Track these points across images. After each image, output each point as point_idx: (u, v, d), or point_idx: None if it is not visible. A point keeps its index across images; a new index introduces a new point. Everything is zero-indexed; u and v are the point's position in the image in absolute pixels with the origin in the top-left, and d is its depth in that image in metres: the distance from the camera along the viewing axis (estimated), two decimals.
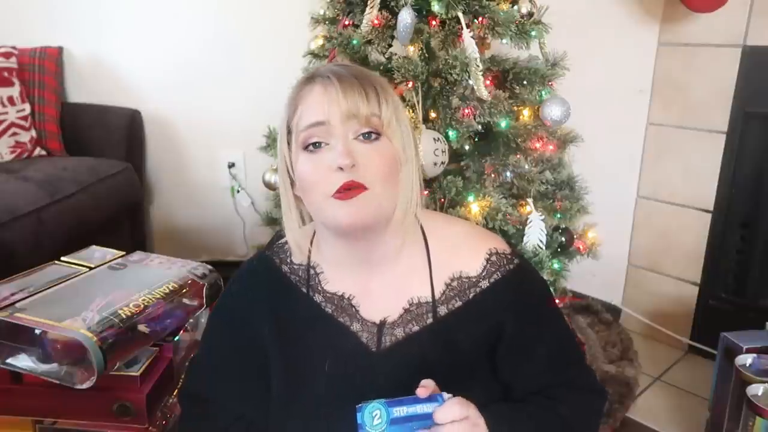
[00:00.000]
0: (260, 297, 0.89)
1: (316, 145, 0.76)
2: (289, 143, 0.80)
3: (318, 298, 0.86)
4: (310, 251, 0.88)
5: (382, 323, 0.83)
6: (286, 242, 0.88)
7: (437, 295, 0.83)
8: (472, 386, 0.82)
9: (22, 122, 2.12)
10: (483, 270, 0.83)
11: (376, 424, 0.69)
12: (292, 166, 0.80)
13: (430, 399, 0.70)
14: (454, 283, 0.83)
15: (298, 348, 0.85)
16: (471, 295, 0.82)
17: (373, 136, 0.77)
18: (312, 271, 0.87)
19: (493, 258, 0.83)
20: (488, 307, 0.82)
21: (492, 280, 0.83)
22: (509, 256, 0.84)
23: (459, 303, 0.82)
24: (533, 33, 1.41)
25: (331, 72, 0.78)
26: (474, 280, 0.83)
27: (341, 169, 0.74)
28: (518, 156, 1.44)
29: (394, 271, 0.84)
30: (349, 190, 0.74)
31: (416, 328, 0.82)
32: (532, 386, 0.86)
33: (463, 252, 0.84)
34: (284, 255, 0.90)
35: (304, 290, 0.87)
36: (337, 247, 0.84)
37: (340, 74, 0.77)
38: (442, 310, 0.82)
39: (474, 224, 0.92)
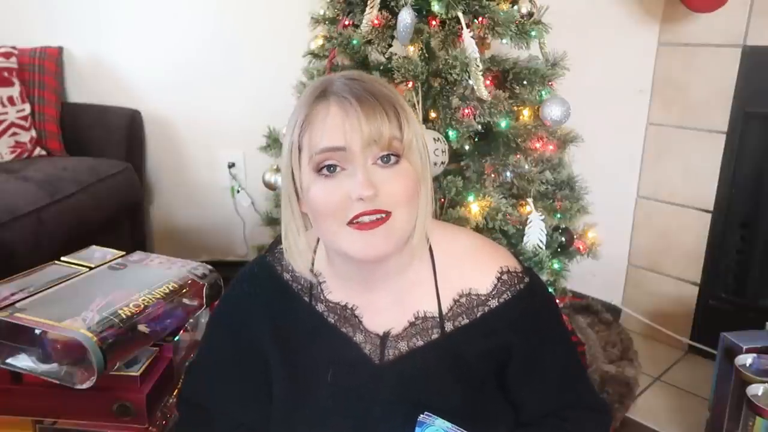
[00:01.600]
0: (261, 302, 0.88)
1: (331, 169, 0.72)
2: (298, 160, 0.76)
3: (320, 307, 0.85)
4: (313, 260, 0.86)
5: (386, 335, 0.82)
6: None
7: (444, 310, 0.81)
8: (478, 401, 0.82)
9: (22, 122, 2.12)
10: (493, 288, 0.81)
11: None
12: (300, 185, 0.76)
13: None
14: (463, 300, 0.81)
15: (300, 357, 0.84)
16: (479, 314, 0.81)
17: (393, 159, 0.73)
18: (315, 280, 0.86)
19: (504, 277, 0.81)
20: (497, 326, 0.81)
21: (502, 299, 0.81)
22: (520, 275, 0.82)
23: (466, 320, 0.81)
24: (533, 33, 1.41)
25: (349, 91, 0.73)
26: (483, 298, 0.81)
27: (361, 199, 0.71)
28: (518, 156, 1.44)
29: (399, 283, 0.82)
30: (371, 222, 0.71)
31: (420, 342, 0.81)
32: (542, 405, 0.85)
33: (472, 268, 0.82)
34: (286, 262, 0.88)
35: (307, 299, 0.86)
36: (342, 265, 0.82)
37: (358, 95, 0.72)
38: (448, 327, 0.81)
39: (480, 236, 0.90)
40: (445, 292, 0.82)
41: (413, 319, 0.82)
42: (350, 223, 0.72)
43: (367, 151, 0.72)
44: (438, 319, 0.81)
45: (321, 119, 0.73)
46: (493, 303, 0.81)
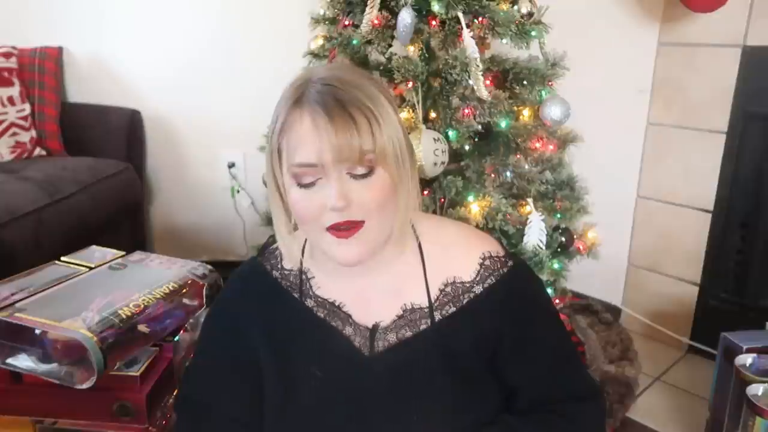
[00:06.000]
0: (252, 302, 0.88)
1: (308, 183, 0.74)
2: (279, 163, 0.77)
3: (310, 302, 0.86)
4: (302, 257, 0.87)
5: (375, 327, 0.83)
6: (277, 247, 0.87)
7: (432, 300, 0.82)
8: (468, 391, 0.82)
9: (22, 122, 2.12)
10: (477, 275, 0.82)
11: None
12: (282, 185, 0.78)
13: None
14: (448, 289, 0.82)
15: (290, 353, 0.85)
16: (465, 301, 0.82)
17: (366, 170, 0.73)
18: (303, 276, 0.87)
19: (487, 262, 0.83)
20: (483, 313, 0.82)
21: (486, 284, 0.82)
22: (503, 259, 0.84)
23: (453, 309, 0.82)
24: (533, 33, 1.41)
25: (321, 101, 0.71)
26: (468, 285, 0.82)
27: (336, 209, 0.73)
28: (518, 156, 1.44)
29: (388, 275, 0.83)
30: (346, 230, 0.73)
31: (409, 333, 0.82)
32: (533, 388, 0.85)
33: (456, 256, 0.83)
34: (275, 260, 0.90)
35: (296, 295, 0.87)
36: (329, 261, 0.82)
37: (330, 106, 0.71)
38: (436, 316, 0.82)
39: (466, 225, 0.91)
40: (433, 283, 0.83)
41: (401, 312, 0.82)
42: (328, 228, 0.74)
43: (340, 165, 0.72)
44: (426, 310, 0.82)
45: (295, 130, 0.73)
46: (478, 289, 0.82)
